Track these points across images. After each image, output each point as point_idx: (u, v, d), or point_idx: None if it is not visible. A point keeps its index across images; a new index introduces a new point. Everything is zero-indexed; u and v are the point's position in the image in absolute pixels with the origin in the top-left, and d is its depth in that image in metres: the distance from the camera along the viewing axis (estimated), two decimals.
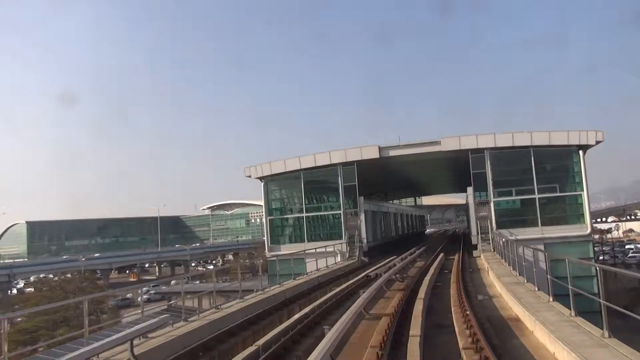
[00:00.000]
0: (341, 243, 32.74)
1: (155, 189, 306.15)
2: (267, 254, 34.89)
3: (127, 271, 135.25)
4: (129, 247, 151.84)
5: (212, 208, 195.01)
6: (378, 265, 26.39)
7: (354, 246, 32.63)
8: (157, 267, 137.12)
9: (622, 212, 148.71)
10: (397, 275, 20.75)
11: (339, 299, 16.41)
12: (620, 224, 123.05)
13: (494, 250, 29.15)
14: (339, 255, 32.44)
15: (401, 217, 59.16)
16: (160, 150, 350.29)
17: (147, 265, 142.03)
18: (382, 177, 45.37)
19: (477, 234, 30.74)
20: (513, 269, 18.88)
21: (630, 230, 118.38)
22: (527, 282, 15.58)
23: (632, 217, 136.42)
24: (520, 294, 13.58)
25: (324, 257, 28.53)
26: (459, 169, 40.13)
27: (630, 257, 73.39)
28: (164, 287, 70.96)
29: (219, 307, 15.09)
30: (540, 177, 30.72)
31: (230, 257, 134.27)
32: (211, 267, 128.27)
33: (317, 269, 25.79)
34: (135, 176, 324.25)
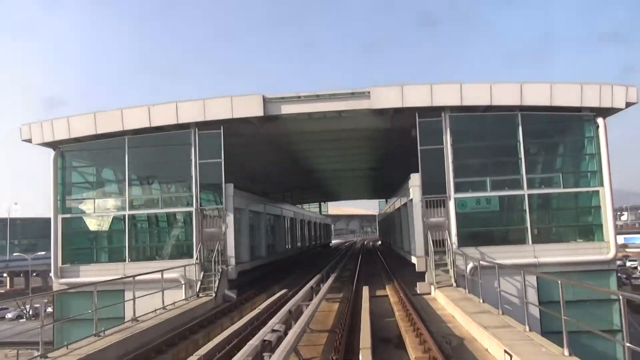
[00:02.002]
0: (189, 265, 18.18)
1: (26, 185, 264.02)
2: (55, 281, 19.28)
3: None
4: None
5: None
6: (241, 323, 12.12)
7: (213, 271, 18.16)
8: (8, 279, 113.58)
9: None
10: None
11: None
12: None
13: (458, 284, 16.38)
14: (183, 286, 17.97)
15: (301, 224, 45.15)
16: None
17: (5, 274, 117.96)
18: (272, 164, 30.54)
19: (428, 253, 17.56)
20: None
21: None
22: None
23: None
24: None
25: (158, 290, 14.86)
26: (391, 154, 27.19)
27: None
28: None
29: None
30: (532, 161, 18.30)
31: None
32: None
33: (99, 334, 11.07)
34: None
